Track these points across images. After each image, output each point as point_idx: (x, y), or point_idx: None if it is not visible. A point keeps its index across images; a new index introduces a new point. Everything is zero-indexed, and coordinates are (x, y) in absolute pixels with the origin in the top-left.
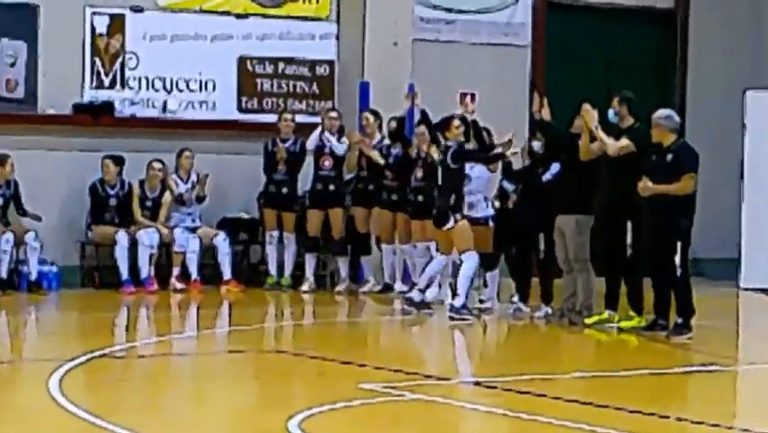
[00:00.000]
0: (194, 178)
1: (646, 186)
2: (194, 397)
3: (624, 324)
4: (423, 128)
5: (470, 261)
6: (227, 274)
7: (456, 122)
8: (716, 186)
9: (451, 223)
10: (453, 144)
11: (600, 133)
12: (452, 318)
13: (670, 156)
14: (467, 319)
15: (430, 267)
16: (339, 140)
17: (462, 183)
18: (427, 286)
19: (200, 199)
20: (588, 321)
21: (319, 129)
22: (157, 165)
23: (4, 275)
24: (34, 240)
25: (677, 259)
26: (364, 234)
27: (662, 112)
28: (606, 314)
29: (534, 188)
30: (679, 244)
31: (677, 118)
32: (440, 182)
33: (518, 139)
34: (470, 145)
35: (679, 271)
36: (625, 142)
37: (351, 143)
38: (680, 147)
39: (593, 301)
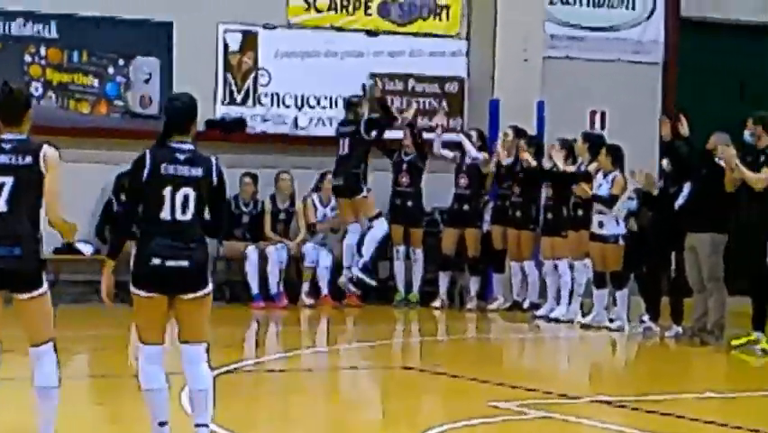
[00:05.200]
0: (333, 202)
1: None
2: (323, 412)
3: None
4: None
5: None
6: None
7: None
8: None
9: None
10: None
11: (743, 171)
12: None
13: None
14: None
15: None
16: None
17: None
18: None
19: (335, 231)
20: (734, 342)
21: (439, 130)
22: (285, 177)
23: None
24: None
25: None
26: (500, 252)
27: None
28: (754, 336)
29: (665, 208)
30: None
31: None
32: None
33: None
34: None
35: None
36: (766, 173)
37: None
38: None
39: (725, 321)
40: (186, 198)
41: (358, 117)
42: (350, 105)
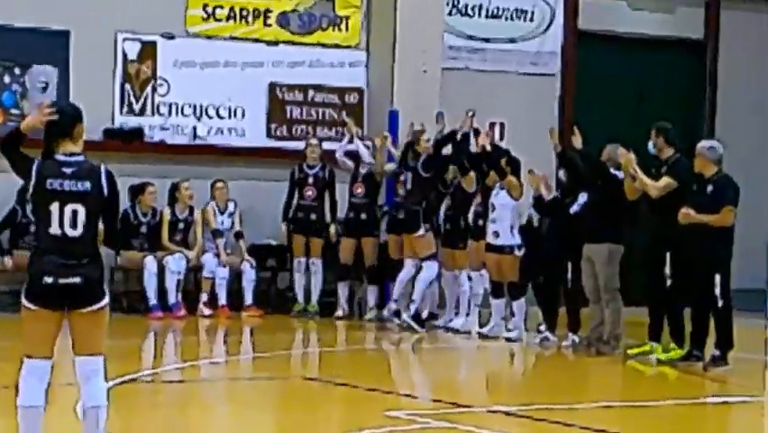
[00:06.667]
0: (231, 208)
1: (687, 213)
2: (220, 423)
3: (663, 355)
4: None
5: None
6: (249, 300)
7: (425, 136)
8: (745, 215)
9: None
10: (423, 156)
11: (641, 176)
12: (407, 326)
13: (710, 187)
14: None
15: (402, 278)
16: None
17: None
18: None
19: (238, 235)
20: (630, 352)
21: (347, 138)
22: (185, 185)
23: None
24: None
25: (717, 291)
26: (396, 262)
27: (705, 143)
28: (649, 345)
29: (562, 218)
30: (718, 277)
31: (720, 150)
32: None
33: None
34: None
35: (720, 303)
36: (664, 182)
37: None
38: (720, 179)
39: (621, 331)
40: (74, 213)
41: (417, 155)
42: (408, 145)
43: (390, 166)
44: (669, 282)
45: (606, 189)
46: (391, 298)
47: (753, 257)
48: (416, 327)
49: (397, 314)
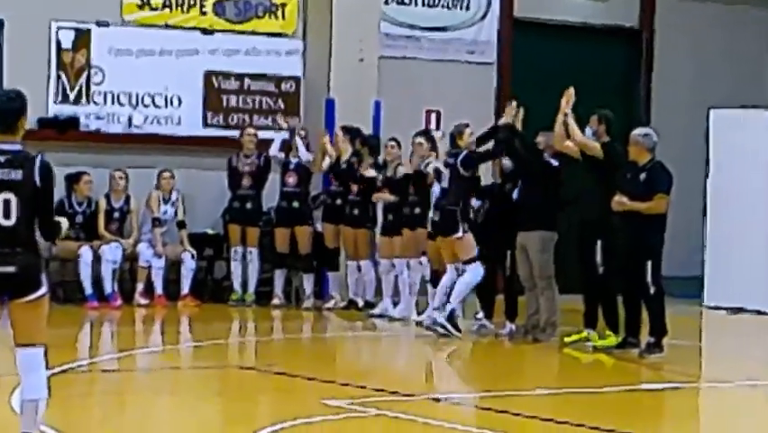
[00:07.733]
0: (174, 197)
1: (621, 201)
2: (157, 413)
3: (599, 343)
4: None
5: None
6: (185, 289)
7: (469, 130)
8: (679, 203)
9: (459, 233)
10: (463, 152)
11: (570, 121)
12: (443, 328)
13: (644, 175)
14: (453, 334)
15: (444, 283)
16: (307, 148)
17: (472, 192)
18: (443, 304)
19: (181, 225)
20: (567, 340)
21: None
22: (118, 174)
23: None
24: None
25: (648, 278)
26: (332, 250)
27: (640, 130)
28: (585, 333)
29: (501, 206)
30: (649, 264)
31: (655, 138)
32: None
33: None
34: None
35: (652, 290)
36: (591, 142)
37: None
38: (654, 167)
39: (557, 319)
40: (6, 202)
41: (459, 150)
42: (452, 136)
43: (327, 163)
44: (601, 270)
45: (539, 177)
46: (430, 306)
47: (687, 244)
48: (452, 330)
49: (436, 323)
